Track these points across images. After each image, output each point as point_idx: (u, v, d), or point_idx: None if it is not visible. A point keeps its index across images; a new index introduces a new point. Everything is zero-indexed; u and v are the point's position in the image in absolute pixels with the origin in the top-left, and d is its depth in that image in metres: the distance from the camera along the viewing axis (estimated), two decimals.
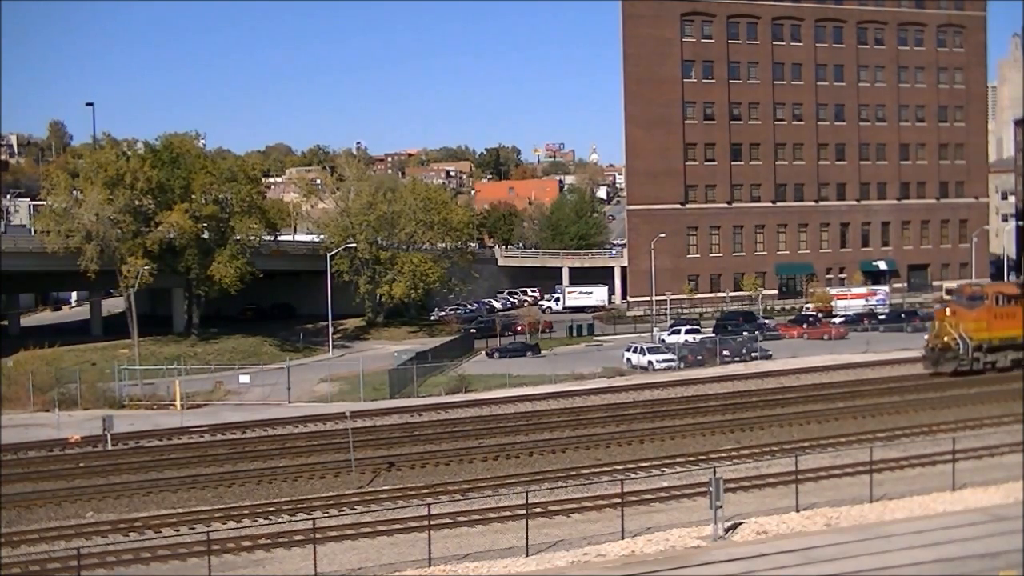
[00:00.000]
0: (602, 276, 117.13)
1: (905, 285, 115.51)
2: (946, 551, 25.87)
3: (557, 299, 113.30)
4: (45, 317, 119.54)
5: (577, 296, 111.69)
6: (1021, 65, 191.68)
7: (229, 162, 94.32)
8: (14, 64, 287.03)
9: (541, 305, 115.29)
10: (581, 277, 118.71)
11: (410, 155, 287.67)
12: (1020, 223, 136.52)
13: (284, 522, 32.49)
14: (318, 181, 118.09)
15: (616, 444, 43.22)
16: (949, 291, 61.54)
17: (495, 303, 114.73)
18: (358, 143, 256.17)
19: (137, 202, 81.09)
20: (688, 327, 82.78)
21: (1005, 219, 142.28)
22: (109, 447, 44.71)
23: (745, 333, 78.65)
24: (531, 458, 41.07)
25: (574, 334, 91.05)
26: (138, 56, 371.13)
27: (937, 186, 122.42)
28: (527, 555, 27.66)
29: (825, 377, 59.20)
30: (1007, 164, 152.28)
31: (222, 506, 34.99)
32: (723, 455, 39.86)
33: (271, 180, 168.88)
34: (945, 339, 56.04)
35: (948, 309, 58.03)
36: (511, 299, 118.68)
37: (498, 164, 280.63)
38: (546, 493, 33.91)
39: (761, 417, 47.77)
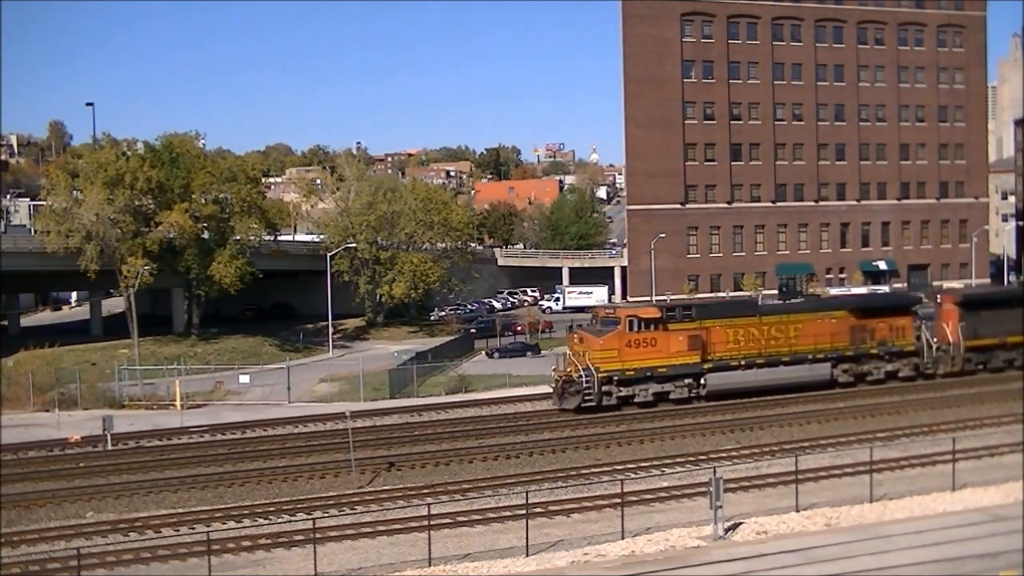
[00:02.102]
0: (602, 276, 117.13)
1: (905, 285, 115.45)
2: (946, 551, 25.88)
3: (557, 299, 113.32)
4: (45, 317, 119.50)
5: (577, 296, 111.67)
6: (1021, 65, 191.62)
7: (229, 162, 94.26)
8: (14, 64, 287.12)
9: (541, 305, 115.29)
10: (581, 277, 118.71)
11: (410, 155, 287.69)
12: (1020, 223, 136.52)
13: (284, 522, 32.49)
14: (318, 181, 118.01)
15: (616, 444, 43.24)
16: (595, 314, 53.86)
17: (495, 303, 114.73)
18: (358, 143, 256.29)
19: (137, 202, 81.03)
20: None
21: (1005, 219, 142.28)
22: (109, 447, 44.70)
23: None
24: (531, 458, 41.07)
25: None
26: (138, 56, 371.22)
27: (937, 186, 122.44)
28: (527, 555, 27.67)
29: None
30: (1007, 164, 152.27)
31: (222, 506, 34.98)
32: (723, 455, 39.88)
33: (271, 180, 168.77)
34: (570, 370, 49.17)
35: (576, 336, 51.45)
36: (511, 299, 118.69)
37: (498, 164, 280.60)
38: (546, 493, 33.92)
39: (761, 417, 47.81)
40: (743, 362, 51.77)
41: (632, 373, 49.46)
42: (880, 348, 54.93)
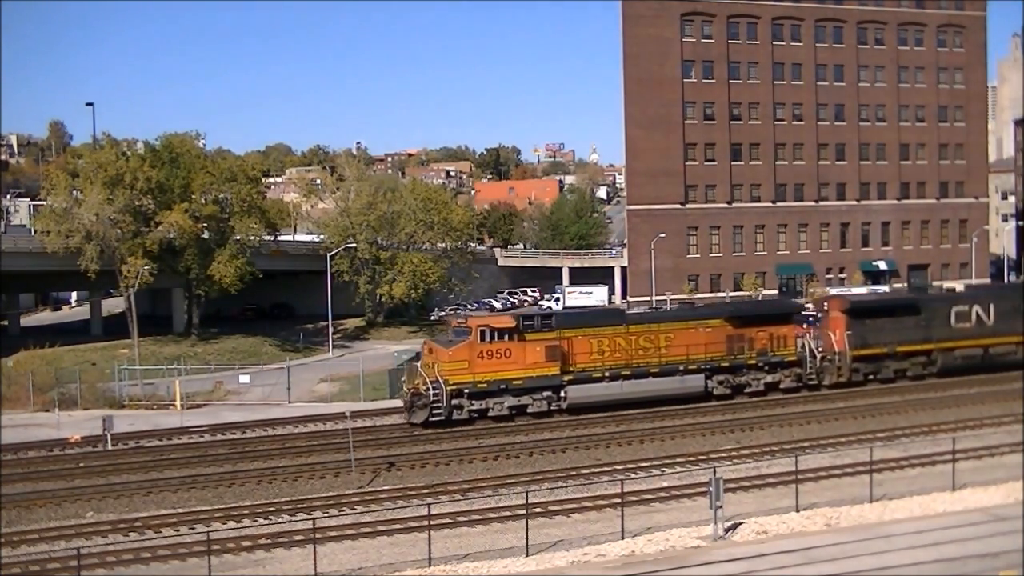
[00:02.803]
0: (602, 276, 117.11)
1: (905, 285, 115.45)
2: (946, 551, 25.90)
3: (557, 299, 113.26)
4: (45, 317, 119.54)
5: (577, 296, 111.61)
6: (1021, 65, 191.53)
7: (229, 162, 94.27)
8: (14, 64, 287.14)
9: (541, 305, 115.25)
10: (581, 277, 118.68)
11: (410, 155, 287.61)
12: (1020, 223, 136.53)
13: (284, 522, 32.50)
14: (318, 181, 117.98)
15: (616, 444, 43.27)
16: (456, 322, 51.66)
17: (495, 303, 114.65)
18: (358, 143, 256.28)
19: (137, 202, 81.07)
20: None
21: (1005, 219, 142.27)
22: (109, 447, 44.72)
23: None
24: (531, 458, 41.10)
25: None
26: (138, 56, 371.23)
27: (937, 186, 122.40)
28: (527, 555, 27.68)
29: None
30: (1007, 164, 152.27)
31: (222, 506, 34.99)
32: (723, 455, 39.90)
33: (271, 180, 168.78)
34: (418, 383, 46.91)
35: (427, 346, 49.47)
36: (511, 299, 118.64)
37: (498, 164, 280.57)
38: (546, 493, 33.94)
39: (761, 417, 47.84)
40: (607, 374, 49.42)
41: (485, 386, 47.12)
42: (759, 358, 52.58)
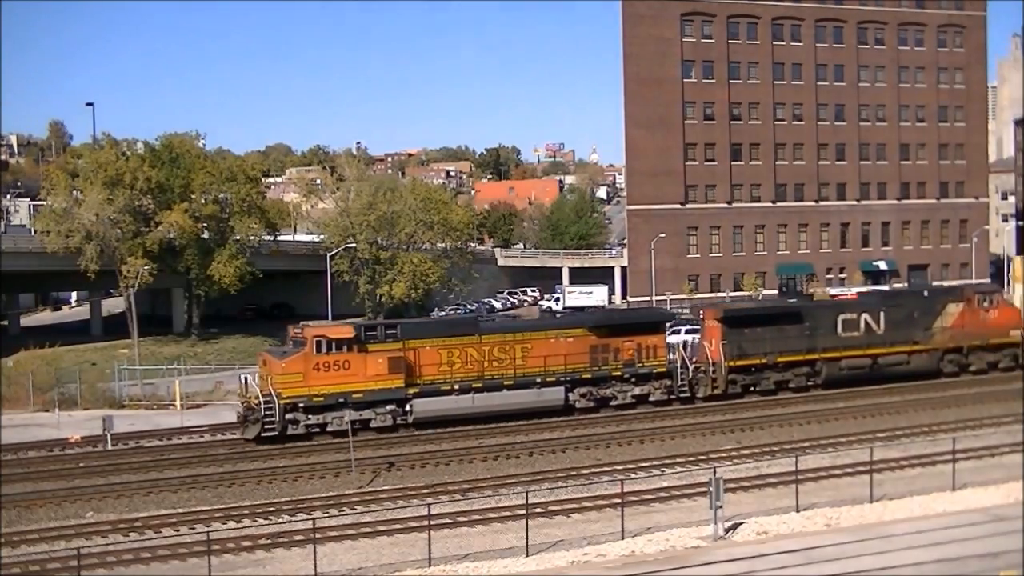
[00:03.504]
0: (602, 276, 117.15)
1: (905, 285, 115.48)
2: (946, 551, 25.90)
3: (557, 299, 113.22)
4: (45, 317, 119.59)
5: (577, 296, 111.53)
6: (1021, 65, 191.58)
7: (229, 162, 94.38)
8: (14, 64, 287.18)
9: (541, 305, 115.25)
10: (581, 277, 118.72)
11: (410, 155, 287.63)
12: (1020, 223, 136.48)
13: (284, 522, 32.50)
14: (318, 181, 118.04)
15: (616, 444, 43.25)
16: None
17: (495, 303, 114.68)
18: (358, 143, 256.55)
19: (137, 202, 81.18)
20: (688, 327, 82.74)
21: (1005, 219, 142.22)
22: (109, 447, 44.71)
23: None
24: (531, 458, 41.09)
25: None
26: (138, 56, 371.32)
27: (937, 186, 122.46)
28: (527, 555, 27.68)
29: None
30: (1007, 164, 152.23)
31: (222, 506, 34.98)
32: (723, 455, 39.89)
33: (271, 180, 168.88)
34: (250, 396, 44.85)
35: (261, 358, 47.39)
36: (511, 299, 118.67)
37: (498, 164, 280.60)
38: (546, 493, 33.92)
39: (761, 417, 47.82)
40: (457, 386, 46.80)
41: (322, 399, 44.49)
42: (626, 369, 49.68)
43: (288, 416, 44.03)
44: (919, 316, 55.98)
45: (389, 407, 45.78)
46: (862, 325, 54.64)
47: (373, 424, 45.59)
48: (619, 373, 49.82)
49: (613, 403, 49.65)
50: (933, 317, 56.28)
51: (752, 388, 52.62)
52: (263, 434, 43.56)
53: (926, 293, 60.68)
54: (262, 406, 43.62)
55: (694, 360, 52.14)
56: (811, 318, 54.14)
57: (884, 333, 54.84)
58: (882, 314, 55.13)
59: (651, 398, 50.34)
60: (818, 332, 53.60)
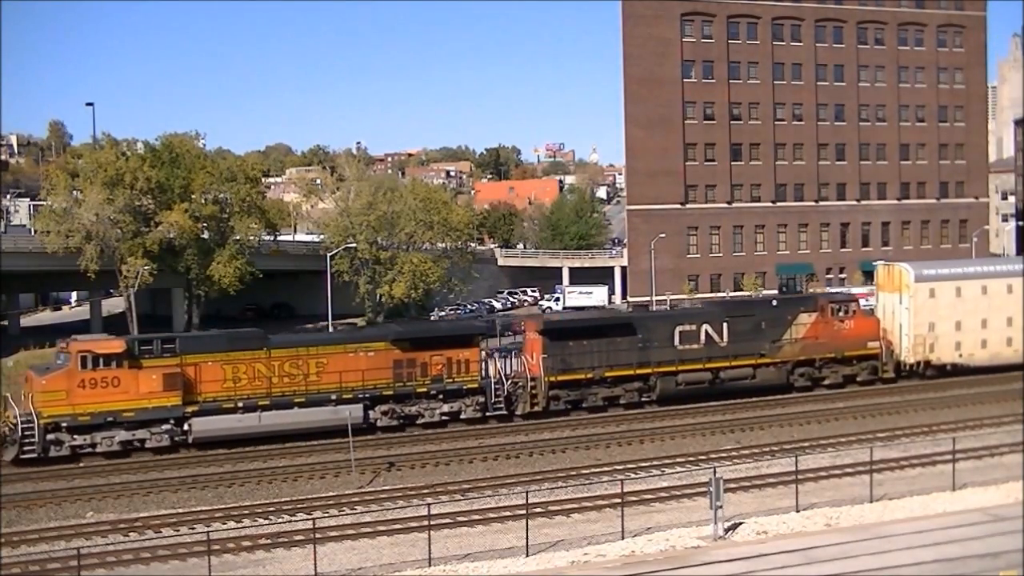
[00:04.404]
0: (602, 276, 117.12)
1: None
2: (946, 551, 25.92)
3: (557, 299, 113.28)
4: (45, 317, 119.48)
5: (577, 296, 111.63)
6: (1021, 65, 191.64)
7: (229, 162, 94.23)
8: (14, 64, 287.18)
9: (541, 305, 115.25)
10: (581, 277, 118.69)
11: (410, 155, 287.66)
12: (1020, 223, 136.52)
13: (284, 522, 32.54)
14: (318, 181, 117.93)
15: (616, 444, 43.31)
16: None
17: (495, 303, 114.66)
18: (358, 143, 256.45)
19: (137, 202, 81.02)
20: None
21: (1005, 219, 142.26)
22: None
23: None
24: (531, 458, 41.15)
25: None
26: (138, 56, 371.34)
27: (937, 186, 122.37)
28: (527, 555, 27.69)
29: None
30: (1007, 164, 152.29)
31: (222, 506, 35.04)
32: (723, 455, 39.95)
33: (271, 180, 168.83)
34: (9, 415, 42.15)
35: (24, 375, 44.77)
36: (511, 299, 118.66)
37: (498, 164, 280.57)
38: (546, 493, 33.96)
39: (761, 417, 47.85)
40: (242, 404, 44.16)
41: (88, 419, 41.62)
42: (433, 385, 47.22)
43: (50, 437, 41.34)
44: (767, 327, 52.89)
45: (166, 426, 43.20)
46: (702, 337, 51.66)
47: (149, 444, 43.03)
48: (425, 389, 47.08)
49: (419, 421, 47.04)
50: (783, 328, 53.22)
51: (581, 405, 49.53)
52: (21, 456, 40.89)
53: (775, 302, 56.76)
54: (19, 426, 40.99)
55: (512, 374, 49.29)
56: (644, 330, 51.10)
57: (727, 345, 51.87)
58: (725, 325, 52.09)
59: (463, 416, 47.61)
60: (652, 345, 50.67)
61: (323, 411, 45.11)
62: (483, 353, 49.27)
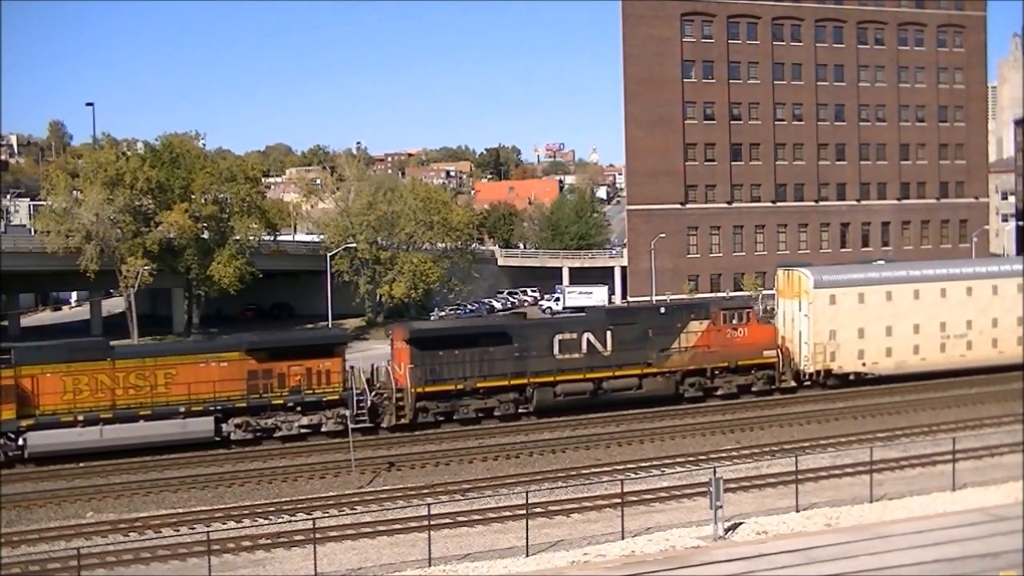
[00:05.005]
0: (602, 276, 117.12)
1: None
2: (946, 551, 25.92)
3: (557, 299, 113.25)
4: (45, 317, 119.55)
5: (577, 296, 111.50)
6: (1021, 65, 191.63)
7: (229, 162, 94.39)
8: (14, 64, 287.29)
9: (541, 305, 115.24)
10: (581, 277, 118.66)
11: (410, 155, 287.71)
12: (1020, 223, 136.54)
13: (284, 522, 32.54)
14: (318, 181, 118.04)
15: (616, 444, 43.28)
16: None
17: (495, 303, 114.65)
18: (358, 143, 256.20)
19: (137, 202, 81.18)
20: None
21: (1005, 219, 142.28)
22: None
23: None
24: (531, 458, 41.14)
25: None
26: (138, 56, 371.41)
27: (937, 186, 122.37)
28: (527, 555, 27.69)
29: None
30: (1007, 164, 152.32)
31: (222, 506, 35.04)
32: (723, 455, 39.93)
33: (271, 180, 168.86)
34: None
35: None
36: (511, 299, 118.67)
37: (498, 164, 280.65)
38: (546, 493, 33.95)
39: (761, 417, 47.83)
40: (83, 417, 41.85)
41: None
42: (291, 397, 44.91)
43: None
44: (654, 335, 50.42)
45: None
46: (584, 346, 49.12)
47: None
48: (281, 401, 44.84)
49: (277, 434, 44.85)
50: (671, 336, 50.74)
51: (449, 417, 47.12)
52: None
53: (663, 309, 53.71)
54: None
55: (378, 386, 47.36)
56: (521, 339, 48.43)
57: (611, 354, 49.34)
58: (609, 333, 49.60)
59: (324, 428, 45.37)
60: (530, 354, 48.12)
61: (171, 424, 43.16)
62: (345, 363, 46.73)
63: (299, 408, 45.11)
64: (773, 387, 52.50)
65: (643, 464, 39.10)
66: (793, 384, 53.51)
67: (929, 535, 27.49)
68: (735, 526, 29.50)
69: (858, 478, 34.47)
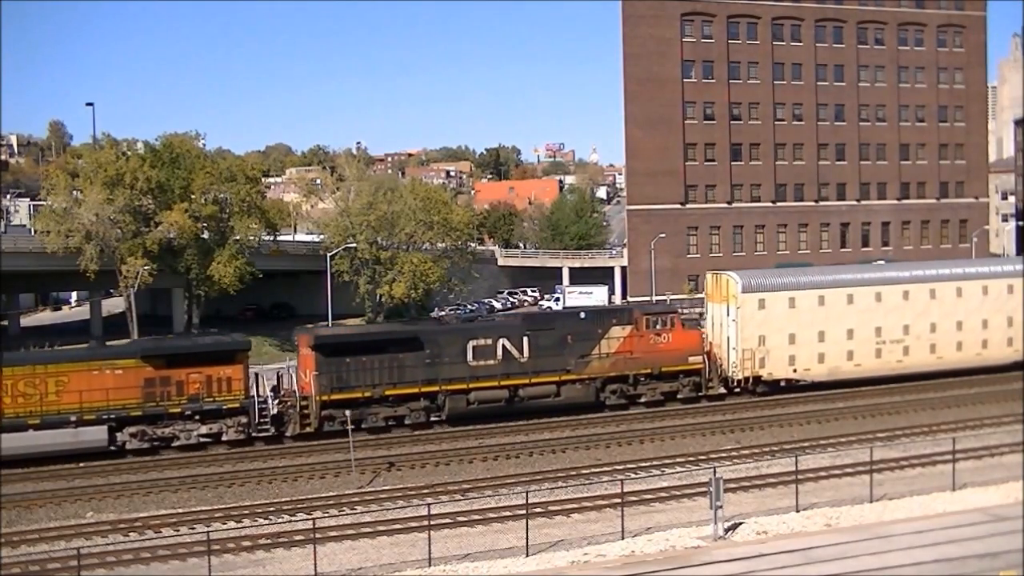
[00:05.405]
0: (602, 276, 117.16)
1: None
2: (946, 551, 25.93)
3: (557, 299, 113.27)
4: (45, 317, 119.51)
5: (577, 296, 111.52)
6: (1021, 65, 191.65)
7: (229, 162, 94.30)
8: (14, 64, 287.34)
9: (541, 305, 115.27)
10: (581, 277, 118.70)
11: (410, 155, 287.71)
12: (1020, 223, 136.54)
13: (284, 522, 32.55)
14: (318, 181, 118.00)
15: (616, 444, 43.29)
16: None
17: (495, 303, 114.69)
18: (358, 143, 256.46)
19: (137, 202, 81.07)
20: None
21: (1005, 219, 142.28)
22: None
23: None
24: (531, 458, 41.15)
25: None
26: (138, 56, 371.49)
27: (937, 186, 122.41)
28: (527, 555, 27.70)
29: None
30: (1007, 164, 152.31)
31: (222, 506, 35.05)
32: (723, 455, 39.93)
33: (271, 180, 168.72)
34: None
35: None
36: (511, 299, 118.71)
37: (498, 164, 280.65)
38: (546, 493, 33.96)
39: (761, 417, 47.83)
40: None
41: None
42: (189, 405, 43.43)
43: None
44: (574, 341, 48.97)
45: None
46: (499, 352, 47.67)
47: None
48: (178, 410, 43.40)
49: (175, 443, 43.53)
50: (592, 342, 49.30)
51: (358, 425, 44.96)
52: None
53: (583, 315, 51.87)
54: None
55: (282, 394, 46.37)
56: (433, 345, 47.08)
57: (528, 361, 47.96)
58: (526, 339, 48.21)
59: (224, 437, 44.26)
60: (442, 360, 46.76)
61: (62, 434, 41.65)
62: (247, 370, 45.25)
63: (198, 417, 43.70)
64: (700, 394, 51.14)
65: (643, 464, 39.11)
66: (722, 391, 52.01)
67: (929, 535, 27.50)
68: (735, 526, 29.50)
69: (858, 478, 34.47)
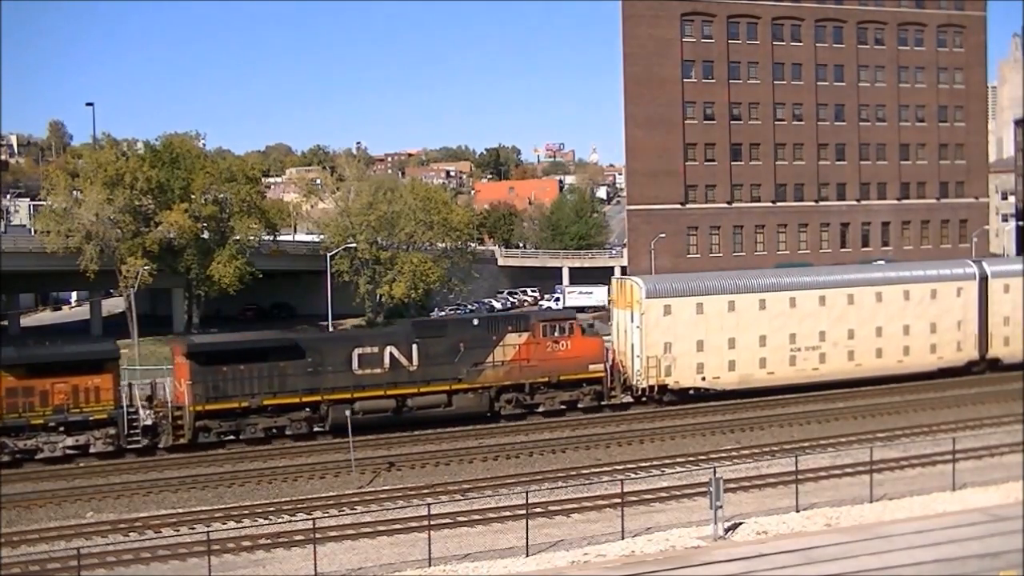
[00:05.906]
0: (602, 276, 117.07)
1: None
2: (946, 551, 25.93)
3: (557, 299, 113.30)
4: (45, 317, 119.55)
5: (577, 296, 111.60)
6: (1021, 65, 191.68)
7: (229, 162, 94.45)
8: (14, 64, 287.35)
9: (541, 305, 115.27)
10: (581, 277, 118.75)
11: (410, 155, 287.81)
12: (1020, 223, 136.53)
13: (284, 522, 32.53)
14: (318, 181, 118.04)
15: (616, 444, 43.26)
16: None
17: (495, 303, 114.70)
18: (358, 143, 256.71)
19: (137, 202, 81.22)
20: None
21: (1005, 219, 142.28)
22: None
23: None
24: (531, 458, 41.12)
25: None
26: (138, 56, 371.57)
27: (937, 186, 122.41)
28: (527, 555, 27.69)
29: None
30: (1007, 164, 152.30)
31: (222, 506, 35.02)
32: (723, 455, 39.92)
33: (271, 180, 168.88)
34: None
35: None
36: (511, 299, 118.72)
37: (498, 164, 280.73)
38: (546, 493, 33.95)
39: (761, 417, 47.81)
40: None
41: None
42: (53, 417, 41.35)
43: None
44: (466, 349, 47.11)
45: None
46: (387, 360, 45.99)
47: None
48: (41, 421, 41.33)
49: (38, 456, 41.48)
50: (486, 350, 47.41)
51: (236, 436, 44.21)
52: None
53: (476, 321, 50.15)
54: None
55: (155, 404, 44.85)
56: (315, 353, 45.29)
57: (417, 370, 46.22)
58: (415, 347, 46.39)
59: (92, 449, 42.47)
60: (325, 369, 45.04)
61: None
62: (117, 380, 43.64)
63: (63, 428, 41.68)
64: (602, 403, 49.26)
65: (643, 464, 39.08)
66: (628, 400, 50.33)
67: (929, 535, 27.50)
68: (735, 526, 29.50)
69: (858, 478, 34.46)
